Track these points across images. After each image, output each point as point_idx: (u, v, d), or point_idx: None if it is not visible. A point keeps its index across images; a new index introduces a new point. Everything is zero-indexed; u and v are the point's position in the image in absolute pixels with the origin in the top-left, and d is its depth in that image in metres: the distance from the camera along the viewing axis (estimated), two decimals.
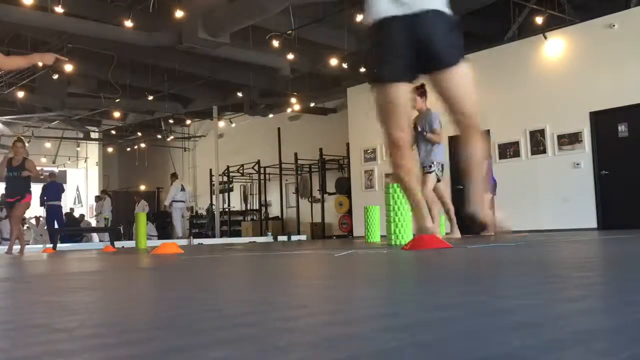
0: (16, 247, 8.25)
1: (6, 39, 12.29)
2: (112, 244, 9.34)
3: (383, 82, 3.48)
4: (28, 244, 15.79)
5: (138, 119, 19.93)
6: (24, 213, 8.42)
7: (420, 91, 6.91)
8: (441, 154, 7.02)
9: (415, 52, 3.32)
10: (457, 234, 7.12)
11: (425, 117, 6.89)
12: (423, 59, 3.33)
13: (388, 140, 3.64)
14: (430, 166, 6.89)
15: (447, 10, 3.37)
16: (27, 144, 8.60)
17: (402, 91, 3.47)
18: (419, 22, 3.30)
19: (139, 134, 21.17)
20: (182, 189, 16.57)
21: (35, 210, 19.01)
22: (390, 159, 3.70)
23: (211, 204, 19.28)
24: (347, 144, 14.93)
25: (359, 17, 11.35)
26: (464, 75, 3.36)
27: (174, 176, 16.89)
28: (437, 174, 6.99)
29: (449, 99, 3.41)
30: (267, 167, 18.12)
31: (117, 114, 18.53)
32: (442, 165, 7.03)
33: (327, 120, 17.49)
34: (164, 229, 20.05)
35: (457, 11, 10.75)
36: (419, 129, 6.85)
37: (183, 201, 16.44)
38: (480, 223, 3.27)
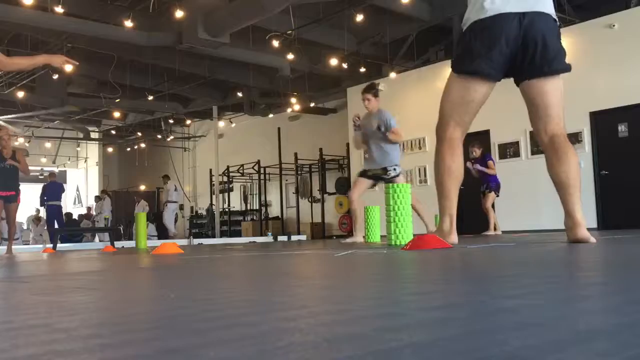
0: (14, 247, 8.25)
1: (6, 39, 12.30)
2: (112, 244, 9.34)
3: (473, 75, 3.37)
4: (28, 244, 15.80)
5: (138, 119, 19.93)
6: (16, 214, 8.28)
7: (375, 91, 6.90)
8: (399, 155, 6.98)
9: (521, 52, 3.24)
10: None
11: (379, 116, 6.78)
12: (529, 61, 3.24)
13: (442, 135, 3.52)
14: (395, 169, 6.86)
15: (554, 13, 3.34)
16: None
17: (487, 89, 3.41)
18: (532, 23, 3.23)
19: (139, 134, 21.17)
20: (175, 189, 16.63)
21: (35, 210, 19.03)
22: (436, 157, 3.58)
23: (211, 204, 19.29)
24: (347, 144, 14.94)
25: (359, 17, 11.37)
26: (560, 88, 3.36)
27: (167, 177, 16.93)
28: (404, 177, 7.04)
29: (545, 106, 3.33)
30: (267, 167, 18.12)
31: (117, 114, 18.54)
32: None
33: (327, 120, 17.49)
34: (164, 229, 20.03)
35: (458, 11, 10.81)
36: (374, 128, 6.76)
37: (176, 201, 16.48)
38: (583, 240, 3.24)
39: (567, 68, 3.35)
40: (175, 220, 19.04)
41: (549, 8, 3.31)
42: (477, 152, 9.85)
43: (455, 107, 3.46)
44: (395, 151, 6.92)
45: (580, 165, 3.49)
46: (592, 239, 3.28)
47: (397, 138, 6.79)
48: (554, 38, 3.29)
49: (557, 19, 3.35)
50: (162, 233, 18.80)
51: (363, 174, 7.00)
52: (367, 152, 6.97)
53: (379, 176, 6.87)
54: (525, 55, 3.25)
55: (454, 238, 3.54)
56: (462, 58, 3.44)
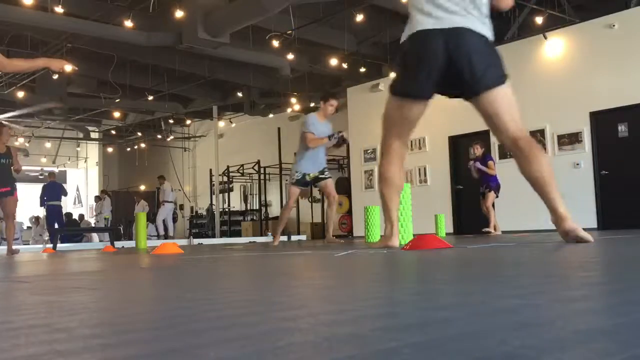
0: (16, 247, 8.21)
1: (6, 39, 12.29)
2: (112, 244, 9.34)
3: (405, 97, 3.45)
4: (28, 244, 15.80)
5: (138, 119, 19.93)
6: (16, 209, 8.15)
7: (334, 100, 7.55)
8: None
9: (450, 70, 3.25)
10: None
11: (328, 123, 7.54)
12: (459, 79, 3.26)
13: (383, 148, 3.64)
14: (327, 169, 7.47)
15: (486, 31, 3.32)
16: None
17: (420, 107, 3.46)
18: (458, 40, 3.23)
19: (139, 134, 21.18)
20: (172, 190, 16.66)
21: (35, 210, 19.03)
22: (379, 170, 3.73)
23: (211, 204, 19.29)
24: (347, 144, 14.92)
25: (359, 17, 11.37)
26: (508, 95, 3.32)
27: (162, 178, 16.95)
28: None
29: (494, 119, 3.36)
30: (267, 167, 18.11)
31: (117, 114, 18.54)
32: None
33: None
34: (164, 228, 19.99)
35: None
36: (329, 134, 7.36)
37: (173, 201, 16.50)
38: (577, 236, 3.25)
39: (498, 81, 3.29)
40: (175, 220, 19.05)
41: (476, 23, 3.28)
42: (478, 150, 9.81)
43: (392, 124, 3.58)
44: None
45: (549, 163, 3.54)
46: (581, 231, 3.29)
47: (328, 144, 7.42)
48: (481, 55, 3.25)
49: (486, 35, 3.31)
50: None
51: (301, 181, 7.30)
52: (302, 156, 7.32)
53: (317, 178, 7.27)
54: (455, 73, 3.25)
55: (395, 242, 3.69)
56: (395, 79, 3.57)
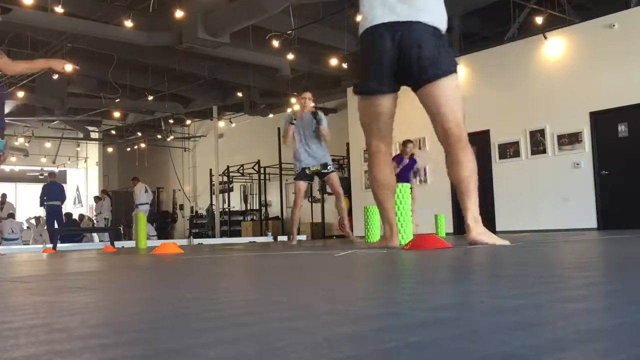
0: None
1: (6, 39, 12.29)
2: (112, 244, 9.34)
3: (367, 94, 3.46)
4: (28, 244, 15.81)
5: (138, 119, 19.93)
6: None
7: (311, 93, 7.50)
8: None
9: (400, 62, 3.28)
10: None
11: (316, 115, 7.35)
12: (408, 70, 3.29)
13: (368, 151, 3.64)
14: (331, 164, 7.44)
15: (437, 23, 3.31)
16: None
17: (387, 102, 3.46)
18: (404, 32, 3.24)
19: (139, 134, 21.18)
20: (146, 191, 16.54)
21: (35, 210, 19.04)
22: (369, 174, 3.73)
23: (211, 204, 19.30)
24: (347, 144, 14.94)
25: (359, 17, 11.37)
26: (450, 89, 3.32)
27: (136, 179, 16.85)
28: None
29: (433, 112, 3.40)
30: (267, 167, 18.12)
31: (117, 114, 18.53)
32: None
33: (327, 120, 17.48)
34: (164, 229, 20.02)
35: (458, 11, 10.83)
36: (314, 126, 7.27)
37: (147, 203, 16.37)
38: (472, 243, 3.30)
39: (445, 72, 3.29)
40: (175, 221, 19.04)
41: (424, 15, 3.27)
42: (409, 150, 9.34)
43: (368, 124, 3.57)
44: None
45: (474, 170, 3.48)
46: (488, 240, 3.28)
47: (328, 137, 7.34)
48: (430, 45, 3.25)
49: (436, 25, 3.30)
50: (162, 233, 18.81)
51: (302, 175, 7.32)
52: (295, 151, 7.38)
53: (319, 172, 7.27)
54: (404, 65, 3.28)
55: (395, 242, 3.67)
56: (356, 78, 3.60)
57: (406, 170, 9.19)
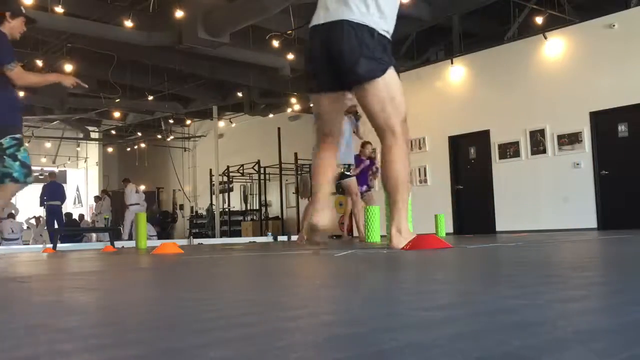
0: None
1: None
2: (112, 244, 9.34)
3: (311, 93, 3.48)
4: (28, 244, 15.81)
5: (138, 119, 19.93)
6: None
7: None
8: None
9: (331, 64, 3.24)
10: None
11: (357, 114, 7.32)
12: (338, 73, 3.24)
13: (316, 143, 3.62)
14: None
15: (369, 22, 3.20)
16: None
17: (331, 101, 3.41)
18: (329, 34, 3.21)
19: (139, 134, 21.18)
20: (137, 191, 16.50)
21: (35, 210, 19.04)
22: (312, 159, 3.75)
23: (211, 204, 19.29)
24: None
25: None
26: (380, 91, 3.24)
27: (127, 180, 16.82)
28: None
29: (367, 113, 3.37)
30: (267, 167, 18.11)
31: (117, 114, 18.53)
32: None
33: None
34: (164, 229, 20.02)
35: (458, 11, 10.80)
36: (353, 126, 7.24)
37: (138, 204, 16.34)
38: (391, 246, 3.33)
39: (371, 75, 3.20)
40: (175, 221, 19.02)
41: (352, 13, 3.17)
42: (368, 152, 9.13)
43: (315, 120, 3.58)
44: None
45: (402, 172, 3.48)
46: (399, 247, 3.26)
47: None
48: (351, 46, 3.15)
49: (369, 25, 3.18)
50: (162, 233, 18.80)
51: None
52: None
53: (342, 174, 7.19)
54: (334, 66, 3.23)
55: (321, 217, 3.42)
56: (304, 76, 3.59)
57: (365, 171, 9.13)
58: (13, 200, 19.09)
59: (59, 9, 10.39)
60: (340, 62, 3.19)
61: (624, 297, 0.94)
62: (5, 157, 4.59)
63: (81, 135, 22.40)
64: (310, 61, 3.39)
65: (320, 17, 3.29)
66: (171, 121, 20.44)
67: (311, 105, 3.56)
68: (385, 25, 3.26)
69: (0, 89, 4.60)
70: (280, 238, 13.50)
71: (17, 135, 4.64)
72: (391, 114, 3.31)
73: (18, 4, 5.31)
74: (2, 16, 4.77)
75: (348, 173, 7.22)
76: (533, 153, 11.06)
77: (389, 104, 3.28)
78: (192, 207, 21.84)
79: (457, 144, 12.32)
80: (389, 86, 3.27)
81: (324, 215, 3.37)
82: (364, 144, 9.08)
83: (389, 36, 3.29)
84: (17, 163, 4.60)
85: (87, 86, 4.82)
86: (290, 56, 12.69)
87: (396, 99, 3.32)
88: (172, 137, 21.46)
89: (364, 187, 8.82)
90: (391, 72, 3.27)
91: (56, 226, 14.80)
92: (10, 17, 4.78)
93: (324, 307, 0.97)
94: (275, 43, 11.94)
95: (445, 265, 2.02)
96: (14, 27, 4.84)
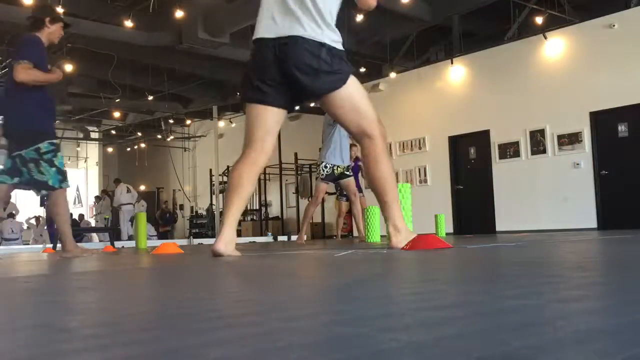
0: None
1: (6, 39, 12.29)
2: (112, 244, 9.34)
3: (251, 102, 3.36)
4: (28, 244, 15.80)
5: (138, 119, 19.93)
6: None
7: None
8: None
9: (285, 78, 3.20)
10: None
11: None
12: (297, 87, 3.21)
13: (243, 151, 3.49)
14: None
15: (324, 38, 3.18)
16: None
17: (273, 114, 3.33)
18: (284, 49, 3.16)
19: (139, 134, 21.17)
20: (128, 191, 16.46)
21: (35, 210, 19.04)
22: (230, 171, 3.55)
23: (211, 204, 19.29)
24: None
25: (359, 17, 11.37)
26: (345, 100, 3.26)
27: (118, 181, 16.78)
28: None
29: (339, 122, 3.43)
30: (267, 167, 18.11)
31: (117, 114, 18.53)
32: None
33: None
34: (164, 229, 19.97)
35: (458, 11, 10.80)
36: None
37: (130, 203, 16.31)
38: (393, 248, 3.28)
39: (331, 87, 3.21)
40: (175, 221, 18.98)
41: (304, 30, 3.15)
42: (353, 153, 8.86)
43: (250, 131, 3.43)
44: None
45: (387, 171, 3.38)
46: (399, 246, 3.25)
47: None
48: (309, 63, 3.14)
49: (323, 41, 3.17)
50: (162, 233, 18.78)
51: (331, 176, 7.21)
52: (328, 147, 7.18)
53: (342, 174, 7.13)
54: (291, 80, 3.19)
55: (219, 246, 3.28)
56: (243, 84, 3.49)
57: (356, 172, 9.07)
58: (13, 200, 19.10)
59: (59, 9, 10.38)
60: (298, 79, 3.16)
61: (624, 297, 0.94)
62: (42, 161, 4.65)
63: (81, 135, 22.39)
64: (256, 70, 3.30)
65: (269, 30, 3.22)
66: (171, 121, 20.45)
67: (247, 113, 3.43)
68: (335, 35, 3.25)
69: (38, 94, 4.65)
70: (280, 238, 13.49)
71: (55, 141, 4.71)
72: (361, 119, 3.32)
73: (55, 10, 5.40)
74: (41, 21, 4.82)
75: (347, 173, 7.21)
76: (533, 153, 11.06)
77: (356, 111, 3.31)
78: (192, 207, 21.83)
79: (457, 144, 12.33)
80: (352, 95, 3.30)
81: (226, 241, 3.27)
82: (350, 147, 9.01)
83: (341, 45, 3.27)
84: (54, 169, 4.67)
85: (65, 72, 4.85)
86: None
87: (362, 103, 3.34)
88: (172, 137, 21.46)
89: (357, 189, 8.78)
90: (352, 80, 3.29)
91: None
92: (49, 22, 4.83)
93: (324, 307, 0.97)
94: None
95: (445, 265, 2.02)
96: (53, 32, 4.88)
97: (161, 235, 18.04)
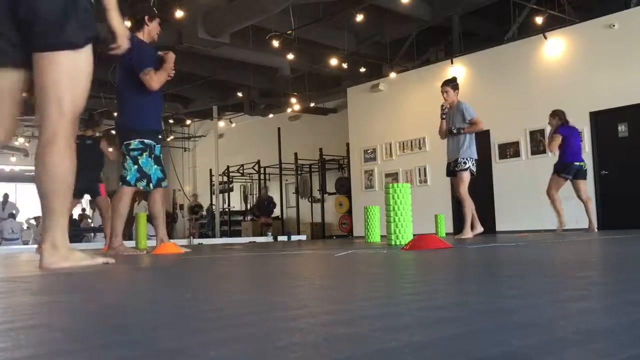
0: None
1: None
2: None
3: None
4: (28, 244, 15.80)
5: None
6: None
7: (453, 84, 7.00)
8: (474, 148, 6.92)
9: (21, 27, 2.54)
10: (468, 234, 7.22)
11: (457, 110, 6.88)
12: (24, 34, 2.55)
13: None
14: (465, 162, 6.82)
15: None
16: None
17: (5, 77, 2.62)
18: None
19: None
20: None
21: (35, 210, 19.03)
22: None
23: (211, 204, 19.29)
24: (347, 144, 14.93)
25: (359, 17, 11.37)
26: (70, 64, 2.59)
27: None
28: (472, 171, 6.99)
29: (37, 88, 2.59)
30: (267, 167, 18.12)
31: (117, 114, 18.53)
32: (475, 161, 6.95)
33: (327, 120, 17.49)
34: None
35: (458, 11, 10.83)
36: (450, 125, 6.92)
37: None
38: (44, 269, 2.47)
39: (67, 43, 2.55)
40: (175, 221, 18.95)
41: None
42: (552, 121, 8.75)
43: None
44: (471, 143, 6.90)
45: (61, 174, 2.56)
46: (57, 265, 2.47)
47: (473, 129, 6.81)
48: (53, 9, 2.51)
49: None
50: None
51: (449, 171, 7.07)
52: (472, 141, 6.94)
53: (452, 168, 6.99)
54: (21, 31, 2.53)
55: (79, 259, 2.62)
56: None
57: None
58: (13, 200, 19.09)
59: None
60: (34, 24, 2.51)
61: (624, 297, 0.94)
62: (127, 157, 4.76)
63: None
64: None
65: None
66: (171, 121, 20.44)
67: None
68: None
69: (136, 95, 4.73)
70: (280, 238, 13.50)
71: (147, 141, 4.76)
72: (67, 97, 2.58)
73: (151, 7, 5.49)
74: (141, 21, 4.89)
75: (457, 169, 6.95)
76: (533, 153, 11.06)
77: (70, 86, 2.60)
78: (192, 207, 21.82)
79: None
80: (80, 64, 2.64)
81: (54, 253, 2.54)
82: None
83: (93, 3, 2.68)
84: (136, 167, 4.74)
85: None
86: (290, 56, 12.69)
87: (80, 83, 2.65)
88: (172, 137, 21.46)
89: None
90: (89, 50, 2.67)
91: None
92: (148, 20, 4.90)
93: (324, 307, 0.97)
94: (275, 43, 11.94)
95: (445, 265, 2.02)
96: (152, 29, 4.94)
97: None
